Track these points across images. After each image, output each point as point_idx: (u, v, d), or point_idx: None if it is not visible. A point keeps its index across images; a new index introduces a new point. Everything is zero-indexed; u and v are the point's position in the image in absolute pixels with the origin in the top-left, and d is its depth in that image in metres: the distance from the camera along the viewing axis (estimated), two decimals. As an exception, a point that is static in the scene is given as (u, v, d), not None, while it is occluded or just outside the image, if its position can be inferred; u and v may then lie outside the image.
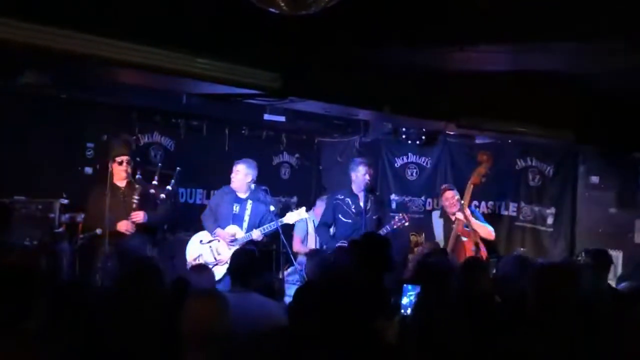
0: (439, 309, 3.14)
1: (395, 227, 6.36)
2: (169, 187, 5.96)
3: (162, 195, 5.88)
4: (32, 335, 2.66)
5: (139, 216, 5.80)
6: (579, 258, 5.99)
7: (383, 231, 6.25)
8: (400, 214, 6.55)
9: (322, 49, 5.23)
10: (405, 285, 3.39)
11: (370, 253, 4.41)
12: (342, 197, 6.62)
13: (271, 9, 3.25)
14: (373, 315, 2.97)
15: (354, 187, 6.55)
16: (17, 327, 2.68)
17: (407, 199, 8.31)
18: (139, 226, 5.83)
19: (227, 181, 6.70)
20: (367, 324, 2.93)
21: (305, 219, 6.94)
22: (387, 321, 3.01)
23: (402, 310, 3.34)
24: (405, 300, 3.38)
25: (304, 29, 4.24)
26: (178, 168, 6.16)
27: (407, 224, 6.44)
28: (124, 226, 5.74)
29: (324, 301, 2.93)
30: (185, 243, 6.71)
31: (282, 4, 3.16)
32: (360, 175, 6.51)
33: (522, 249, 7.62)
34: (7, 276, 2.83)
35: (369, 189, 6.57)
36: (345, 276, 4.01)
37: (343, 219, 6.56)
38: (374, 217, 6.51)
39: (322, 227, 6.76)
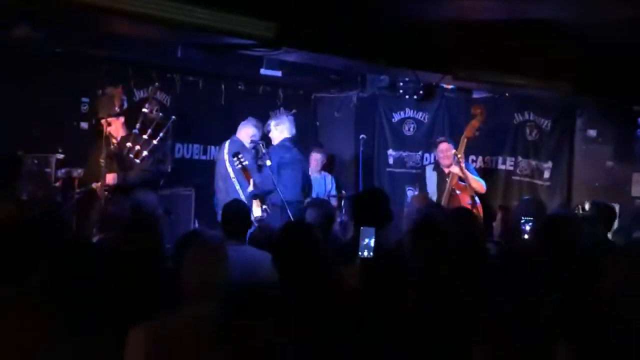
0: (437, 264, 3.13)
1: None
2: (154, 142, 5.85)
3: (137, 161, 5.76)
4: (34, 289, 2.68)
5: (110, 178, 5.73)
6: (580, 210, 6.09)
7: None
8: None
9: (317, -1, 5.15)
10: (362, 227, 3.31)
11: (368, 206, 4.44)
12: None
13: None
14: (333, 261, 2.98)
15: None
16: (19, 281, 2.69)
17: (404, 154, 8.31)
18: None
19: (224, 136, 6.67)
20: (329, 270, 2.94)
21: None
22: (347, 265, 2.99)
23: (360, 253, 3.29)
24: (364, 242, 3.30)
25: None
26: (173, 117, 6.10)
27: None
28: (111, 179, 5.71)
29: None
30: (183, 198, 6.72)
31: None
32: None
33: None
34: (9, 229, 2.83)
35: None
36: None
37: None
38: None
39: None
